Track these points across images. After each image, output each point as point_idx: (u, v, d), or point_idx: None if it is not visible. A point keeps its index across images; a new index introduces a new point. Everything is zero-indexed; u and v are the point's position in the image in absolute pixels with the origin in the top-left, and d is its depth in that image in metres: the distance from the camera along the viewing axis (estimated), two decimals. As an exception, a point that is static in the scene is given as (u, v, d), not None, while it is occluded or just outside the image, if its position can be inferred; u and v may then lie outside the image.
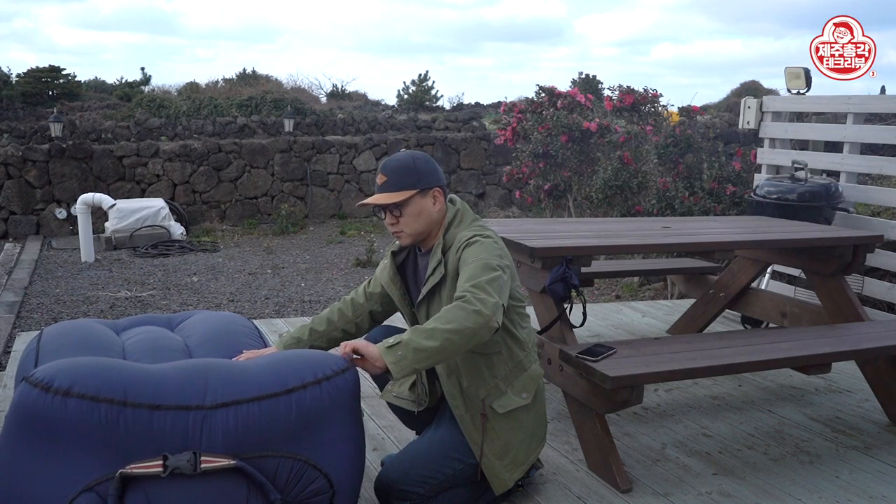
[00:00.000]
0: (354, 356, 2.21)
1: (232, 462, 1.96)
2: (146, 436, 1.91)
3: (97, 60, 43.22)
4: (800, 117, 5.45)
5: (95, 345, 2.46)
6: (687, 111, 7.80)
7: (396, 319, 2.73)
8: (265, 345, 2.66)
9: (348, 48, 46.82)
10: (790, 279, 5.15)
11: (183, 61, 43.55)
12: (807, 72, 4.93)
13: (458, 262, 2.37)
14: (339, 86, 22.02)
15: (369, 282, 2.72)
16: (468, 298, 2.19)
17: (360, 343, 2.21)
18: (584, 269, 3.14)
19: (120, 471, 1.89)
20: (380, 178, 2.45)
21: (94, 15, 45.81)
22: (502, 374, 2.47)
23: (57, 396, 1.88)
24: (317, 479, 2.09)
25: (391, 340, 2.16)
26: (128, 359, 2.41)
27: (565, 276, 2.88)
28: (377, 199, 2.43)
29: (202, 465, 1.93)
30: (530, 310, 3.25)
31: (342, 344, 2.25)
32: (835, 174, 4.85)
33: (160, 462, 1.91)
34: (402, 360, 2.11)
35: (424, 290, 2.46)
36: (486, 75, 46.61)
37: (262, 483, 1.99)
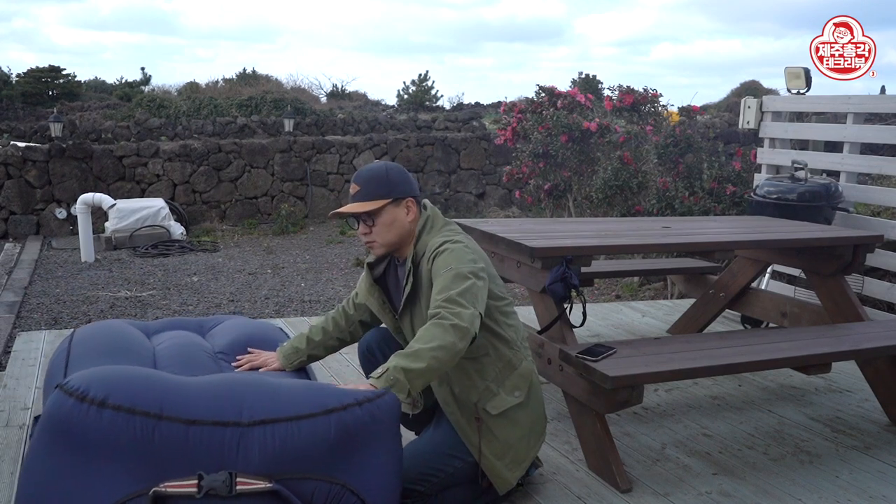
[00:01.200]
0: None
1: (269, 485, 1.89)
2: (180, 451, 1.86)
3: (97, 60, 43.28)
4: (800, 117, 5.45)
5: (126, 350, 2.43)
6: (687, 111, 7.80)
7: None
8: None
9: (348, 48, 46.88)
10: (790, 279, 5.15)
11: (183, 61, 43.60)
12: (807, 72, 4.93)
13: (431, 272, 2.37)
14: (339, 86, 22.04)
15: (356, 292, 2.73)
16: (443, 314, 2.20)
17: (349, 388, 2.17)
18: (584, 269, 3.14)
19: (153, 489, 1.83)
20: (353, 188, 2.45)
21: (94, 15, 45.83)
22: (492, 376, 2.46)
23: (92, 407, 1.83)
24: None
25: (378, 371, 2.16)
26: (159, 366, 2.39)
27: (565, 276, 2.88)
28: (351, 207, 2.43)
29: (238, 487, 1.86)
30: (530, 309, 3.26)
31: None
32: (835, 174, 4.85)
33: (195, 482, 1.84)
34: (396, 382, 2.12)
35: (401, 302, 2.48)
36: (486, 75, 46.68)
37: None
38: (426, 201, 2.56)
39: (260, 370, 2.54)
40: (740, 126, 5.48)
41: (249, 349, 2.65)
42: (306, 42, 48.82)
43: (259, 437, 1.91)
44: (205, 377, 2.09)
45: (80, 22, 47.11)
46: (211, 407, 1.92)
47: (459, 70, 47.88)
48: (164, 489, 1.84)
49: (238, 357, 2.60)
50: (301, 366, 2.64)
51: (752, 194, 4.85)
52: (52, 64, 19.14)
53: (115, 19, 46.91)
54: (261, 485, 1.89)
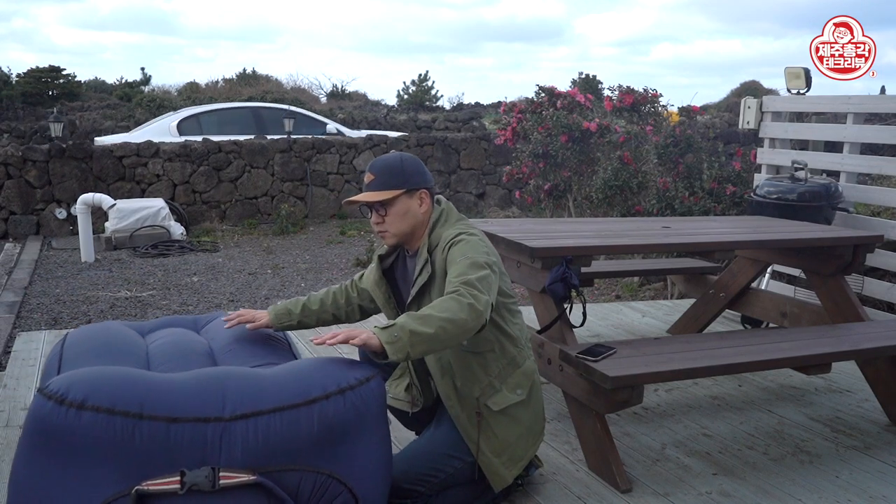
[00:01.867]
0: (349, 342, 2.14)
1: (252, 478, 1.89)
2: (163, 450, 1.86)
3: (96, 60, 43.31)
4: (800, 117, 5.45)
5: (119, 350, 2.44)
6: (687, 111, 7.79)
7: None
8: (292, 350, 2.68)
9: (348, 48, 46.90)
10: (790, 279, 5.15)
11: (182, 61, 43.63)
12: (807, 72, 4.93)
13: (446, 261, 2.38)
14: (339, 86, 22.06)
15: (361, 276, 2.75)
16: (461, 292, 2.20)
17: (351, 331, 2.13)
18: (584, 269, 3.14)
19: (136, 487, 1.83)
20: (367, 177, 2.48)
21: (93, 15, 45.82)
22: (496, 372, 2.47)
23: (71, 409, 1.83)
24: (341, 494, 2.03)
25: (385, 322, 2.16)
26: (152, 363, 2.39)
27: (565, 276, 2.88)
28: (365, 196, 2.46)
29: (221, 482, 1.86)
30: (530, 309, 3.26)
31: (332, 333, 2.15)
32: (835, 174, 4.85)
33: (177, 478, 1.84)
34: (398, 340, 2.08)
35: (414, 291, 2.47)
36: (486, 75, 46.71)
37: (283, 499, 1.92)
38: (440, 196, 2.58)
39: (248, 326, 2.60)
40: (740, 126, 5.48)
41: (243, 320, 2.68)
42: (306, 42, 48.83)
43: (241, 431, 1.91)
44: (187, 373, 2.09)
45: (80, 22, 47.11)
46: (193, 403, 1.91)
47: (459, 70, 47.93)
48: (146, 487, 1.83)
49: (227, 317, 2.66)
50: (289, 328, 2.69)
51: (752, 194, 4.85)
52: (52, 64, 19.14)
53: (114, 19, 46.93)
54: (244, 478, 1.89)
